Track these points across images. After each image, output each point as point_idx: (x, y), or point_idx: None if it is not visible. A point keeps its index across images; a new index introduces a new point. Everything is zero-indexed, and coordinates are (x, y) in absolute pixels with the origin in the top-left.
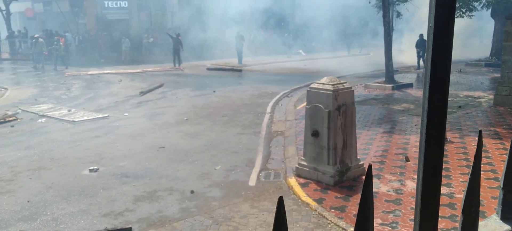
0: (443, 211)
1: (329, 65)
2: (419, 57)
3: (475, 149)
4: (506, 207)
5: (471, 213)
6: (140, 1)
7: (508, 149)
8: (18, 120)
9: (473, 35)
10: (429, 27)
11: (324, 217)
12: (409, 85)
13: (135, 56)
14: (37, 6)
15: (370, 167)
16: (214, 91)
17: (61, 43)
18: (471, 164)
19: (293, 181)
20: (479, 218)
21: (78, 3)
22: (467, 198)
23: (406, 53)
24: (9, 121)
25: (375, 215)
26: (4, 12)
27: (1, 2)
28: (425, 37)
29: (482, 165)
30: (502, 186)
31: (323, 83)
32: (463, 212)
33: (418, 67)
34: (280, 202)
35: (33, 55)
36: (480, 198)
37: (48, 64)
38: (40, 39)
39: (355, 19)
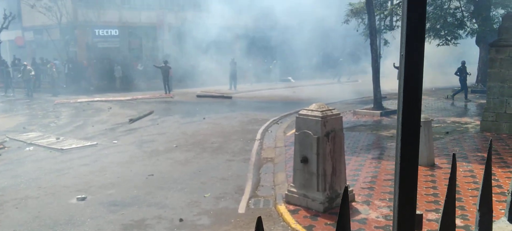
0: None
1: (318, 92)
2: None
3: (462, 174)
4: (482, 228)
5: None
6: (131, 29)
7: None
8: (6, 148)
9: (457, 61)
10: (400, 55)
11: None
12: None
13: (127, 84)
14: (27, 34)
15: (346, 188)
16: (204, 118)
17: (53, 69)
18: (459, 190)
19: (282, 208)
20: None
21: (69, 31)
22: (443, 220)
23: (393, 80)
24: None
25: None
26: None
27: None
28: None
29: (470, 190)
30: (510, 191)
31: (312, 110)
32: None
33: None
34: (259, 222)
35: (24, 83)
36: (468, 222)
37: (37, 92)
38: (28, 67)
39: (343, 47)
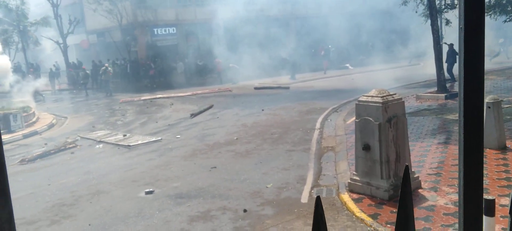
0: (507, 222)
1: (376, 78)
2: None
3: None
4: None
5: None
6: (188, 26)
7: None
8: (78, 147)
9: None
10: (460, 29)
11: None
12: None
13: (188, 79)
14: (91, 37)
15: (406, 167)
16: (263, 110)
17: (109, 69)
18: None
19: (346, 197)
20: None
21: (129, 32)
22: None
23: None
24: (69, 148)
25: (434, 228)
26: (61, 45)
27: (58, 35)
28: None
29: None
30: None
31: (372, 96)
32: (510, 213)
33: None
34: (318, 202)
35: (103, 83)
36: None
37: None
38: (109, 68)
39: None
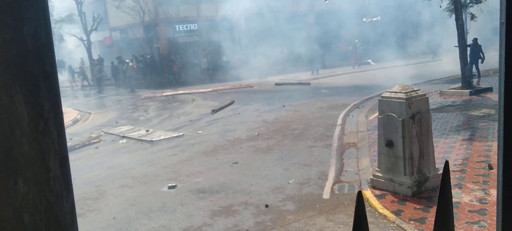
0: None
1: (398, 73)
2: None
3: None
4: None
5: None
6: (209, 22)
7: None
8: (102, 142)
9: None
10: (501, 23)
11: (403, 229)
12: (489, 89)
13: (212, 75)
14: (114, 34)
15: (446, 162)
16: (283, 106)
17: (130, 64)
18: None
19: (368, 193)
20: None
21: (152, 29)
22: None
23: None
24: (93, 143)
25: (458, 226)
26: (85, 41)
27: (82, 32)
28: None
29: None
30: None
31: (395, 92)
32: None
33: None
34: (359, 196)
35: (126, 80)
36: None
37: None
38: (130, 64)
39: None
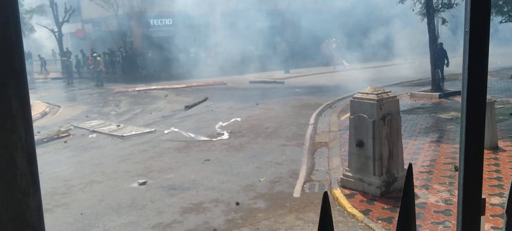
0: (497, 221)
1: (371, 75)
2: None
3: None
4: None
5: None
6: (184, 18)
7: None
8: (71, 136)
9: None
10: (465, 32)
11: (371, 228)
12: (457, 93)
13: (184, 71)
14: (86, 26)
15: (410, 165)
16: (257, 104)
17: (98, 59)
18: None
19: (338, 192)
20: None
21: (125, 23)
22: (510, 199)
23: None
24: (62, 137)
25: (424, 226)
26: (56, 33)
27: (53, 23)
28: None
29: None
30: None
31: (367, 93)
32: (507, 212)
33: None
34: (325, 198)
35: (94, 73)
36: None
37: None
38: (98, 58)
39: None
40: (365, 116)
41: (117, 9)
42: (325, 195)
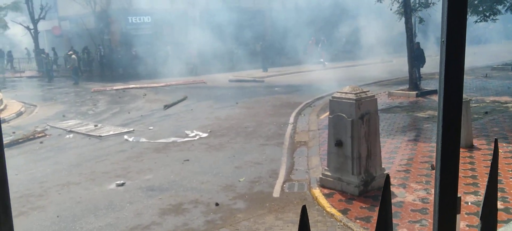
0: (472, 219)
1: (350, 73)
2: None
3: (502, 155)
4: None
5: (489, 219)
6: (163, 15)
7: None
8: (47, 136)
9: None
10: (441, 42)
11: (349, 227)
12: (434, 91)
13: (165, 69)
14: (63, 24)
15: (387, 177)
16: (237, 103)
17: (73, 56)
18: (499, 171)
19: (317, 192)
20: (499, 224)
21: (103, 20)
22: (485, 205)
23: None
24: (38, 137)
25: (401, 225)
26: (32, 30)
27: (29, 20)
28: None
29: (511, 172)
30: None
31: (346, 92)
32: (481, 218)
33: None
34: (303, 211)
35: (70, 71)
36: (508, 205)
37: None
38: (73, 56)
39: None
40: (344, 115)
41: (94, 6)
42: (304, 208)
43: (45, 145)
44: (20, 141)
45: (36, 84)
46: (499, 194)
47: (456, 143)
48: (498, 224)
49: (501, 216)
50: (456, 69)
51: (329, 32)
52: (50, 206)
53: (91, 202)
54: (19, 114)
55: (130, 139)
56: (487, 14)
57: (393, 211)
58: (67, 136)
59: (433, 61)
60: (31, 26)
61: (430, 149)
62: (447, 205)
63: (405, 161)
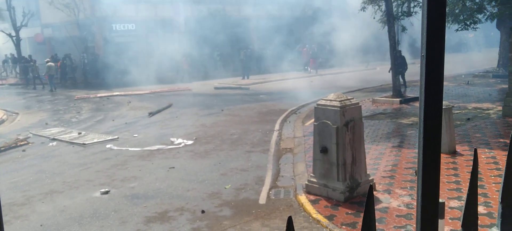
0: (455, 224)
1: (334, 81)
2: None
3: (484, 161)
4: (505, 220)
5: (470, 226)
6: (148, 23)
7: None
8: (30, 144)
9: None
10: (421, 56)
11: None
12: (417, 98)
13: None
14: (46, 31)
15: (371, 187)
16: (222, 110)
17: (51, 64)
18: (481, 177)
19: (303, 198)
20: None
21: (87, 27)
22: (466, 212)
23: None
24: (20, 145)
25: (387, 230)
26: (14, 38)
27: (11, 28)
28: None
29: (493, 177)
30: (500, 200)
31: (330, 100)
32: (462, 225)
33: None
34: (289, 221)
35: (48, 80)
36: (491, 210)
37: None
38: (50, 63)
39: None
40: (329, 122)
41: (78, 13)
42: (290, 219)
43: (28, 153)
44: (1, 149)
45: (18, 92)
46: (482, 199)
47: (437, 151)
48: (481, 229)
49: (484, 220)
50: (436, 82)
51: (313, 40)
52: (33, 215)
53: (76, 211)
54: (1, 122)
55: (115, 147)
56: (468, 22)
57: (378, 217)
58: (50, 144)
59: (415, 68)
60: (13, 33)
61: (414, 155)
62: (429, 210)
63: (390, 167)
